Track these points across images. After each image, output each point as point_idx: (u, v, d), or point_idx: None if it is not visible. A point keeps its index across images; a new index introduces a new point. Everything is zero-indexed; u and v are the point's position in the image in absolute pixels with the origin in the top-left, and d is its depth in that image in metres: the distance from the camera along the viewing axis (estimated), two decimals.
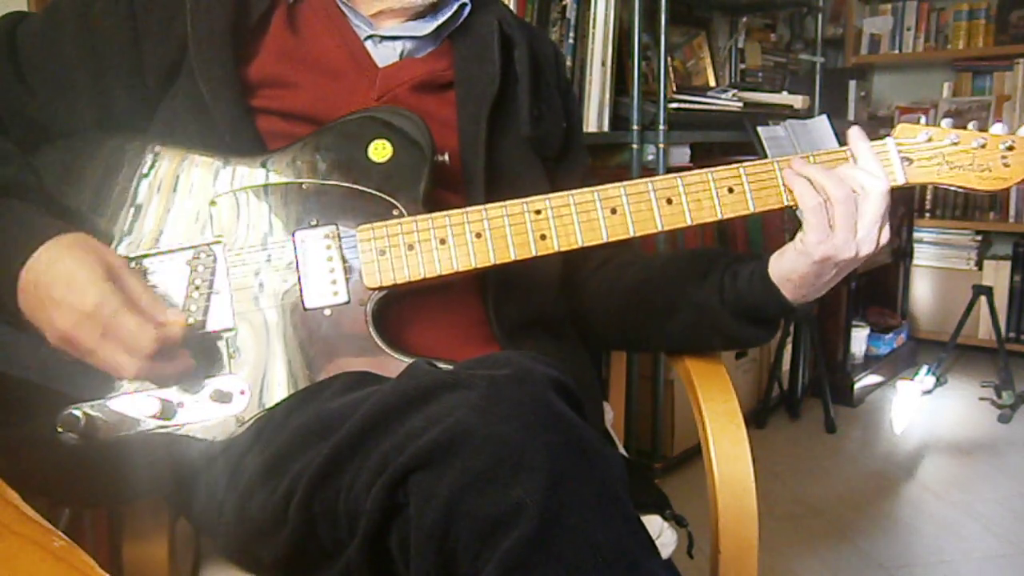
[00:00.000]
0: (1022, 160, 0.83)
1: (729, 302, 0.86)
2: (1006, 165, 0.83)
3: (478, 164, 0.88)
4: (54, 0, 0.87)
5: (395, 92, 0.89)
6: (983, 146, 0.83)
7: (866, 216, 0.79)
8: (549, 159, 0.97)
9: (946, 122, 0.84)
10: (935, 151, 0.84)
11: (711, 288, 0.88)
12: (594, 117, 1.92)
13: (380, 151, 0.81)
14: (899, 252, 3.00)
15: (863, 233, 0.79)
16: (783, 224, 2.50)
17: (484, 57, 0.92)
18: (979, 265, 3.17)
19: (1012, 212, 3.10)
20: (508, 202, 0.80)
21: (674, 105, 2.04)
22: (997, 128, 0.84)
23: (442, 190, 0.85)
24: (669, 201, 0.81)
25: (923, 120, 0.85)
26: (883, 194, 0.79)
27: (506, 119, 0.92)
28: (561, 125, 0.99)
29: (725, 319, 0.87)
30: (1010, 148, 0.83)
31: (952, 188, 0.85)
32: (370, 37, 0.91)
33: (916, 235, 3.21)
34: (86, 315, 0.68)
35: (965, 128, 0.84)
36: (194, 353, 0.75)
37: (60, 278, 0.68)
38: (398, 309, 0.81)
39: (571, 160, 1.01)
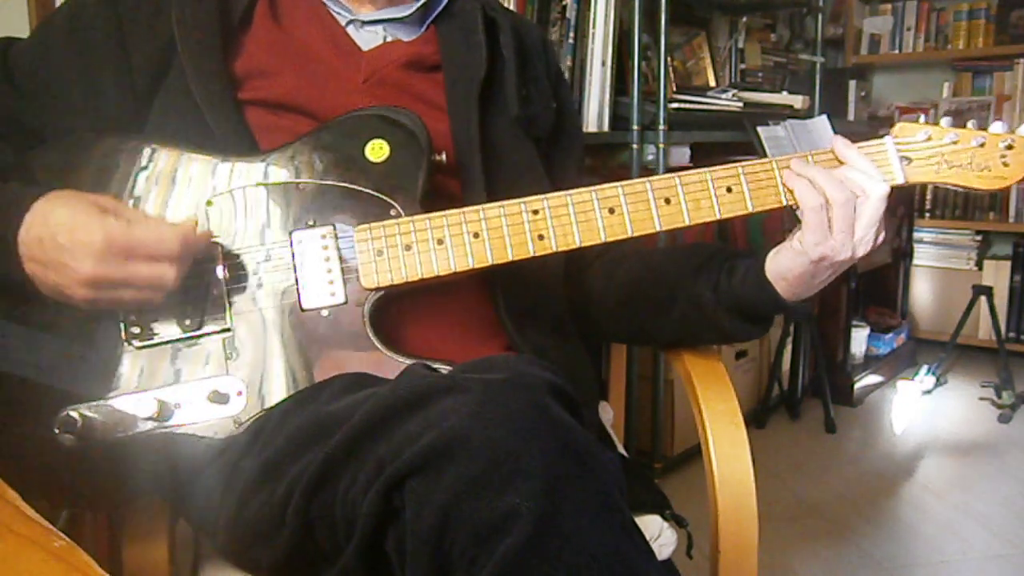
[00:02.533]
0: (1021, 159, 0.82)
1: (723, 299, 0.86)
2: (1005, 164, 0.83)
3: (473, 147, 0.88)
4: (45, 18, 0.88)
5: (382, 73, 0.89)
6: (982, 145, 0.83)
7: (864, 218, 0.79)
8: (541, 140, 0.97)
9: (945, 121, 0.84)
10: (934, 150, 0.83)
11: (706, 284, 0.88)
12: (594, 117, 1.92)
13: (377, 151, 0.80)
14: (899, 252, 3.00)
15: (860, 235, 0.79)
16: (783, 225, 2.50)
17: (470, 41, 0.93)
18: (979, 265, 3.17)
19: (1012, 212, 3.10)
20: (506, 202, 0.80)
21: (674, 105, 2.04)
22: (996, 127, 0.83)
23: (437, 175, 0.85)
24: (667, 201, 0.81)
25: (922, 119, 0.85)
26: (882, 198, 0.79)
27: (495, 102, 0.92)
28: (551, 106, 0.99)
29: (719, 315, 0.87)
30: (1009, 147, 0.83)
31: (952, 187, 0.84)
32: (351, 22, 0.92)
33: (916, 235, 3.21)
34: (102, 249, 0.68)
35: (964, 127, 0.84)
36: (190, 354, 0.75)
37: (61, 226, 0.68)
38: (397, 308, 0.81)
39: (565, 143, 1.01)
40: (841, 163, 0.82)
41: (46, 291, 0.70)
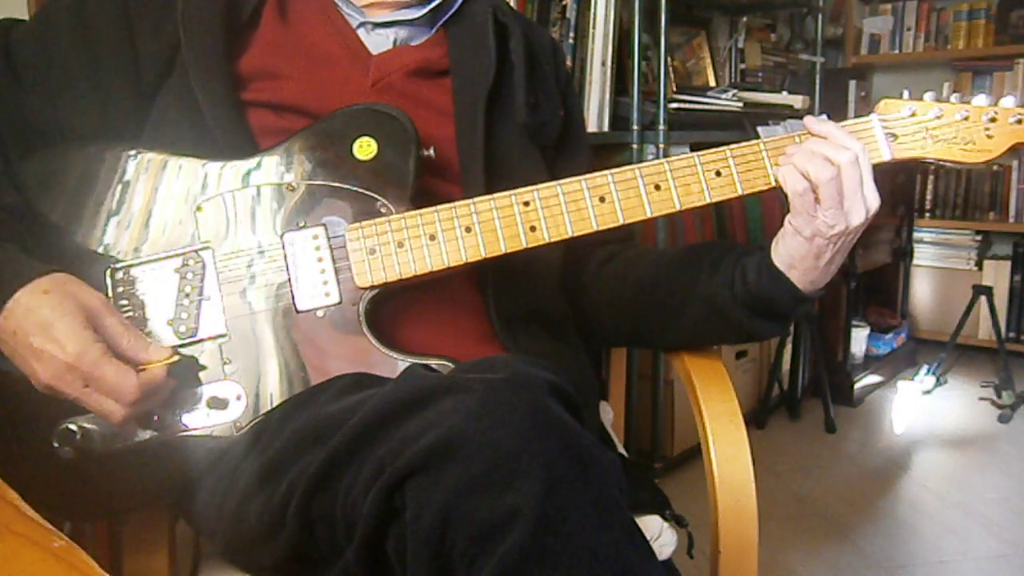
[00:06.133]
0: (1004, 131, 0.82)
1: (740, 296, 0.86)
2: (989, 137, 0.83)
3: (476, 153, 0.88)
4: (47, 3, 0.87)
5: (390, 78, 0.89)
6: (966, 119, 0.83)
7: (846, 187, 0.78)
8: (548, 148, 0.97)
9: (929, 95, 0.84)
10: (919, 126, 0.83)
11: (722, 283, 0.87)
12: (594, 117, 1.92)
13: (365, 149, 0.80)
14: (899, 252, 3.00)
15: (847, 205, 0.78)
16: (782, 218, 2.49)
17: (479, 45, 0.92)
18: (979, 265, 3.16)
19: (1012, 212, 3.10)
20: (496, 195, 0.79)
21: (674, 105, 2.04)
22: (979, 99, 0.83)
23: (439, 180, 0.85)
24: (657, 187, 0.81)
25: (906, 94, 0.85)
26: (852, 163, 0.78)
27: (503, 107, 0.92)
28: (558, 114, 0.99)
29: (738, 314, 0.87)
30: (993, 120, 0.82)
31: (937, 162, 0.84)
32: (362, 25, 0.91)
33: (916, 235, 3.20)
34: (67, 367, 0.67)
35: (947, 101, 0.84)
36: (188, 361, 0.75)
37: (39, 328, 0.67)
38: (393, 307, 0.81)
39: (571, 150, 1.01)
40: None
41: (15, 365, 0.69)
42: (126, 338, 0.71)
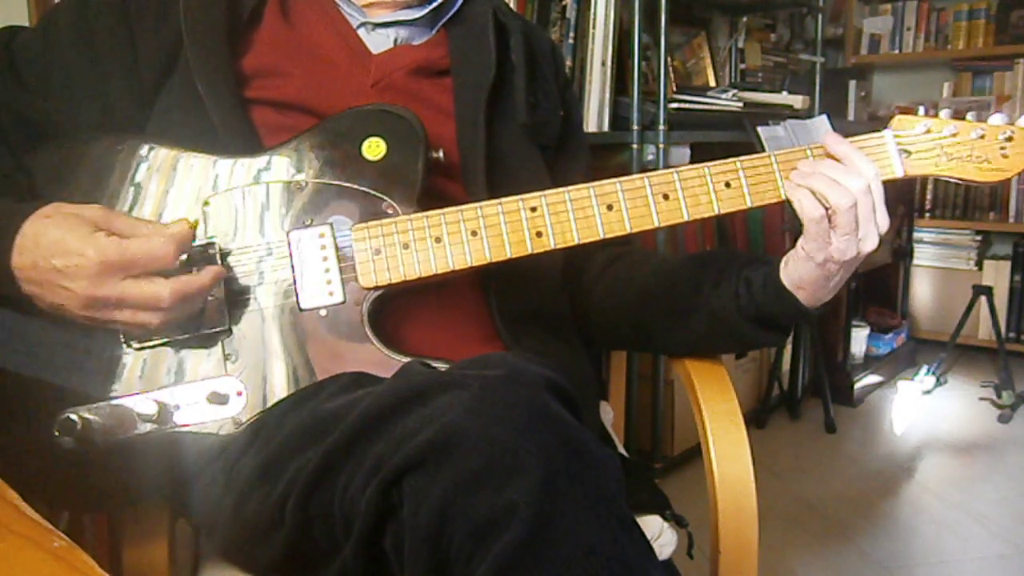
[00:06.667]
0: (1021, 151, 0.82)
1: (745, 310, 0.86)
2: (1005, 156, 0.82)
3: (477, 152, 0.88)
4: (50, 10, 0.88)
5: (391, 77, 0.89)
6: (982, 137, 0.82)
7: (860, 216, 0.78)
8: (548, 148, 0.97)
9: (945, 113, 0.83)
10: (934, 143, 0.83)
11: (726, 295, 0.87)
12: (594, 117, 1.92)
13: (374, 149, 0.80)
14: (899, 252, 3.00)
15: (861, 233, 0.78)
16: (783, 222, 2.50)
17: (480, 45, 0.93)
18: (979, 265, 3.16)
19: (1012, 212, 3.10)
20: (503, 199, 0.79)
21: (674, 105, 2.04)
22: (996, 119, 0.82)
23: (441, 179, 0.85)
24: (666, 197, 0.81)
25: (921, 110, 0.84)
26: (864, 191, 0.77)
27: (503, 107, 0.92)
28: (558, 114, 0.99)
29: (741, 326, 0.87)
30: (1009, 139, 0.82)
31: (951, 180, 0.84)
32: (362, 25, 0.91)
33: (916, 235, 3.20)
34: (99, 267, 0.67)
35: (964, 119, 0.83)
36: (189, 355, 0.75)
37: (54, 247, 0.67)
38: (396, 307, 0.81)
39: (571, 151, 1.01)
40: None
41: (47, 308, 0.70)
42: (141, 225, 0.72)
